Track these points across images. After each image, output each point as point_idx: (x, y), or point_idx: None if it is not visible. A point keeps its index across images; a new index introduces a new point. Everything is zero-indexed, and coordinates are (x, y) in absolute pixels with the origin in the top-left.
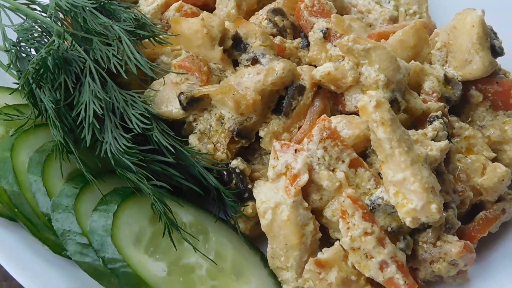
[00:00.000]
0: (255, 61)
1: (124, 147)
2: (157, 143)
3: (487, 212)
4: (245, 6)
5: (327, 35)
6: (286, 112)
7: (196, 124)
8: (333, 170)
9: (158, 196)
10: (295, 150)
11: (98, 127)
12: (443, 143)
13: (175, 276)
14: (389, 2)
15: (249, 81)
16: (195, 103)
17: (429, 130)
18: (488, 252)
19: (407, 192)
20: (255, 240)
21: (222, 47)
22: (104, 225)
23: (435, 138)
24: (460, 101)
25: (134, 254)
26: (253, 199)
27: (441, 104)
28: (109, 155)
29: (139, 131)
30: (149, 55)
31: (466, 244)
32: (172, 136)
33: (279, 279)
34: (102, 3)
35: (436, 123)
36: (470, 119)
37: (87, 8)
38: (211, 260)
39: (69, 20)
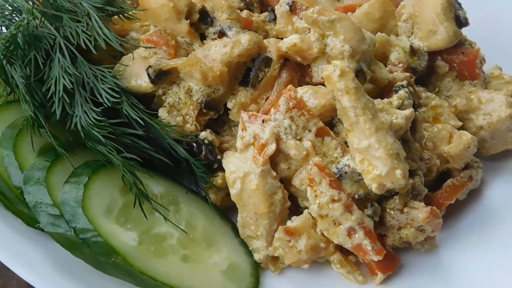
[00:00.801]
0: (222, 34)
1: (94, 121)
2: (127, 117)
3: (455, 179)
4: None
5: (293, 8)
6: (253, 84)
7: (166, 97)
8: (300, 139)
9: (128, 168)
10: (263, 121)
11: (68, 101)
12: (408, 111)
13: (146, 245)
14: None
15: (216, 53)
16: (163, 76)
17: (395, 99)
18: (456, 220)
19: (372, 158)
20: (226, 211)
21: (189, 21)
22: (75, 196)
23: (400, 107)
24: (427, 72)
25: (105, 224)
26: (223, 170)
27: (407, 74)
28: (79, 128)
29: (109, 104)
30: (119, 31)
31: (432, 209)
32: (142, 109)
33: (250, 248)
34: None
35: (402, 92)
36: (437, 89)
37: None
38: (182, 230)
39: (40, 0)
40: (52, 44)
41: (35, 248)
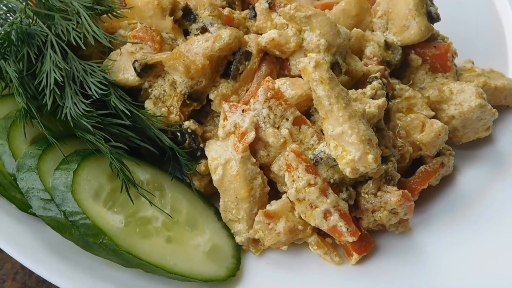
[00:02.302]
0: (204, 30)
1: (83, 111)
2: (114, 108)
3: (427, 166)
4: None
5: (272, 5)
6: (234, 76)
7: (151, 90)
8: (278, 128)
9: (115, 155)
10: (243, 110)
11: (59, 93)
12: (380, 100)
13: (132, 227)
14: None
15: (198, 47)
16: (149, 70)
17: (368, 89)
18: (429, 205)
19: (346, 144)
20: (210, 198)
21: (172, 18)
22: (65, 181)
23: (374, 97)
24: (401, 65)
25: (93, 207)
26: (206, 158)
27: (381, 67)
28: (69, 118)
29: (97, 96)
30: (108, 29)
31: (404, 193)
32: (129, 101)
33: (232, 231)
34: None
35: (375, 83)
36: (411, 81)
37: None
38: (166, 213)
39: (34, 1)
40: (44, 40)
41: (28, 232)
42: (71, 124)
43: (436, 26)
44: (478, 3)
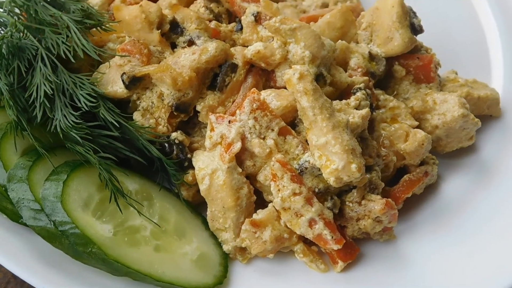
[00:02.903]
0: (191, 43)
1: (73, 123)
2: (103, 120)
3: (411, 175)
4: None
5: (258, 18)
6: (220, 88)
7: (140, 102)
8: (263, 138)
9: (104, 166)
10: (229, 121)
11: (49, 106)
12: (364, 111)
13: (121, 236)
14: None
15: (185, 60)
16: (137, 82)
17: (352, 100)
18: (414, 213)
19: (329, 154)
20: (197, 207)
21: (160, 31)
22: (55, 192)
23: (358, 107)
24: (386, 76)
25: (82, 217)
26: (193, 168)
27: (365, 78)
28: (59, 130)
29: (87, 109)
30: (98, 42)
31: (387, 201)
32: (118, 113)
33: (219, 240)
34: None
35: (359, 94)
36: (395, 92)
37: (40, 2)
38: (154, 223)
39: (25, 15)
40: (34, 54)
41: (19, 242)
42: (61, 135)
43: (421, 38)
44: (462, 15)
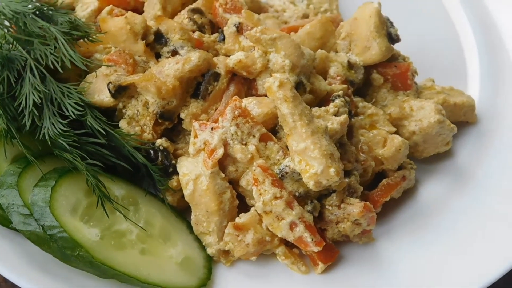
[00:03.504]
0: (175, 53)
1: (60, 131)
2: (90, 128)
3: (389, 179)
4: (169, 8)
5: (239, 29)
6: (203, 96)
7: (125, 110)
8: (245, 144)
9: (91, 172)
10: (212, 128)
11: (37, 114)
12: (342, 117)
13: (107, 240)
14: (302, 1)
15: (169, 69)
16: (122, 91)
17: (331, 107)
18: (392, 216)
19: (309, 159)
20: (183, 212)
21: (144, 41)
22: (44, 197)
23: (336, 114)
24: (365, 84)
25: (70, 221)
26: (177, 174)
27: (344, 86)
28: (47, 138)
29: (74, 117)
30: (84, 53)
31: (366, 204)
32: (104, 121)
33: (203, 243)
34: (41, 10)
35: (337, 101)
36: (374, 99)
37: (29, 15)
38: (140, 227)
39: (14, 27)
40: (24, 65)
41: (9, 246)
42: (49, 143)
43: (399, 47)
44: (439, 25)
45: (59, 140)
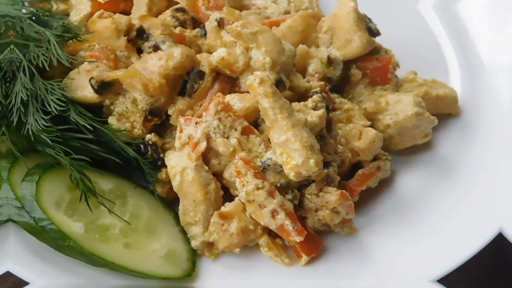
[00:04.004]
0: (156, 48)
1: (43, 126)
2: (75, 123)
3: (365, 169)
4: (155, 9)
5: (221, 23)
6: (189, 94)
7: (114, 107)
8: (227, 137)
9: (76, 167)
10: (196, 123)
11: (23, 111)
12: (321, 111)
13: (92, 234)
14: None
15: (153, 66)
16: (107, 88)
17: (309, 102)
18: (373, 207)
19: (290, 151)
20: (172, 203)
21: (126, 37)
22: (31, 192)
23: (315, 109)
24: (342, 81)
25: (56, 215)
26: (166, 166)
27: (322, 83)
28: (30, 133)
29: (56, 113)
30: (71, 52)
31: (342, 192)
32: (90, 117)
33: (188, 235)
34: (38, 16)
35: (315, 97)
36: (350, 96)
37: (26, 20)
38: (125, 221)
39: (12, 32)
40: (18, 66)
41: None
42: (32, 138)
43: (381, 41)
44: (415, 26)
45: (41, 135)
